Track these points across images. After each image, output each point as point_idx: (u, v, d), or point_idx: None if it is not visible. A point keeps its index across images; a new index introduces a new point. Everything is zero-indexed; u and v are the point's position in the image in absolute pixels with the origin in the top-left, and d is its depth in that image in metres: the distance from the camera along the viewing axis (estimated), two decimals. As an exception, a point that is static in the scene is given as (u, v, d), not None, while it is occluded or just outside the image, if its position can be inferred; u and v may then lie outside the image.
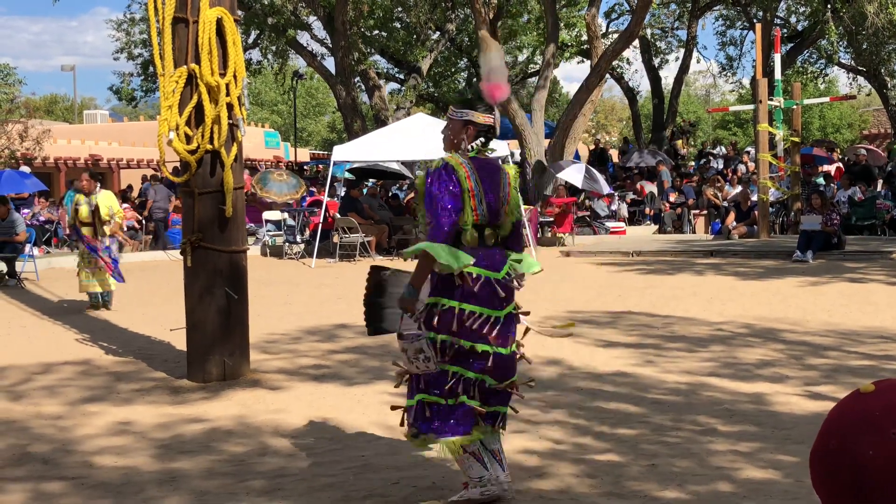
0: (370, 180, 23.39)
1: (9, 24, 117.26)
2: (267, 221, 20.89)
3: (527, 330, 4.61)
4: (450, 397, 4.26)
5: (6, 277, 14.66)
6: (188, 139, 7.09)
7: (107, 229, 11.31)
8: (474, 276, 4.25)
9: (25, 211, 20.79)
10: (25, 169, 25.45)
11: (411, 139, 18.05)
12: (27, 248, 15.35)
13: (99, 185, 11.88)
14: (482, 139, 4.42)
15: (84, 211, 11.37)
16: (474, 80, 37.45)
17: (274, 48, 30.52)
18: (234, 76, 7.15)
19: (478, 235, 4.32)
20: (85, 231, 11.32)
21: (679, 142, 32.36)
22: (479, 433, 4.30)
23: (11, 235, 14.82)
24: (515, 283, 4.44)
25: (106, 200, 11.45)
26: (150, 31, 7.36)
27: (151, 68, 29.55)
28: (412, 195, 21.31)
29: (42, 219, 21.50)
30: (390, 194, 23.08)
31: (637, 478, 4.75)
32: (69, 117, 61.38)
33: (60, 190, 31.15)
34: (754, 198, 19.43)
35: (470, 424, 4.29)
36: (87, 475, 5.02)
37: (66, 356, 8.29)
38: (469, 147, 4.40)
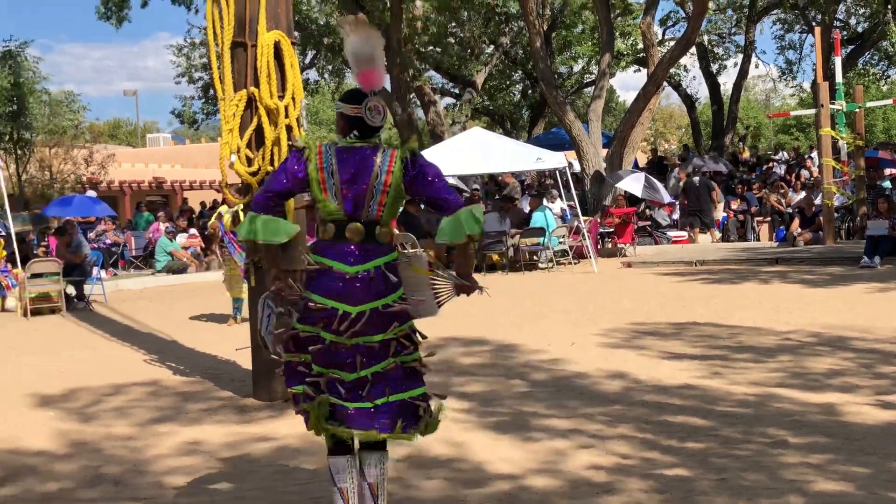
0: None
1: (72, 51, 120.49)
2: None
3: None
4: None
5: (75, 300, 14.97)
6: (249, 161, 7.19)
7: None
8: (320, 266, 4.10)
9: (90, 234, 21.26)
10: (91, 193, 26.03)
11: (468, 153, 18.09)
12: (95, 270, 15.68)
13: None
14: (355, 132, 4.15)
15: (228, 219, 11.75)
16: (529, 91, 37.49)
17: (330, 67, 30.92)
18: (293, 98, 7.24)
19: (334, 230, 4.12)
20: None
21: (741, 147, 32.01)
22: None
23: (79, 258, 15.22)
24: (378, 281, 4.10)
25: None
26: (209, 56, 7.48)
27: (212, 91, 30.06)
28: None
29: (108, 242, 21.92)
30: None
31: (707, 492, 4.69)
32: (133, 141, 62.57)
33: (126, 213, 31.81)
34: (819, 203, 19.11)
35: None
36: (158, 495, 5.09)
37: (135, 377, 8.42)
38: (340, 138, 4.20)
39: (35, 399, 7.70)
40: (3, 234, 16.41)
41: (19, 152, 25.72)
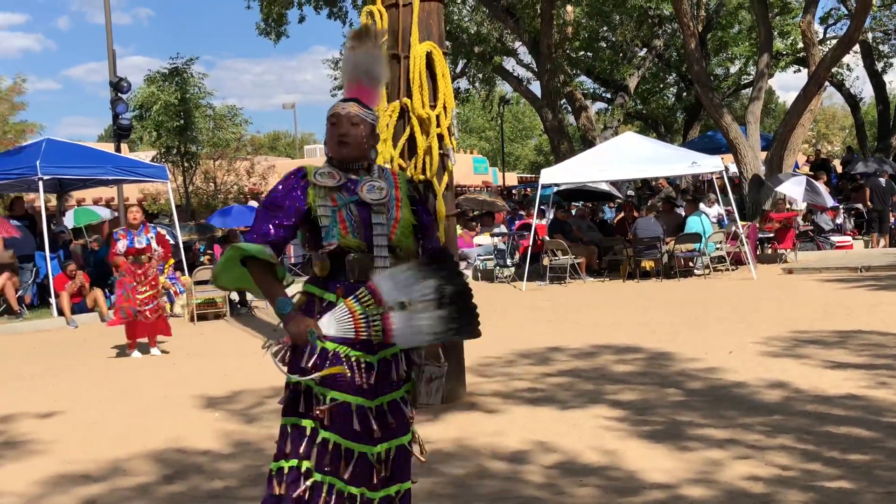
0: (579, 202, 23.34)
1: (234, 67, 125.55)
2: (478, 246, 21.22)
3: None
4: None
5: (238, 306, 15.58)
6: (402, 170, 7.33)
7: None
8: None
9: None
10: (253, 203, 26.97)
11: (619, 159, 17.89)
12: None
13: None
14: None
15: None
16: (683, 94, 36.77)
17: (481, 76, 31.08)
18: (444, 107, 7.34)
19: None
20: None
21: None
22: None
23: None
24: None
25: None
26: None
27: (365, 102, 30.67)
28: (621, 216, 21.08)
29: (269, 250, 22.68)
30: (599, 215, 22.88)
31: (873, 507, 4.50)
32: (291, 152, 64.60)
33: (285, 222, 32.77)
34: None
35: None
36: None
37: (294, 381, 8.67)
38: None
39: (201, 400, 8.06)
40: (172, 242, 17.21)
41: (186, 165, 26.92)
